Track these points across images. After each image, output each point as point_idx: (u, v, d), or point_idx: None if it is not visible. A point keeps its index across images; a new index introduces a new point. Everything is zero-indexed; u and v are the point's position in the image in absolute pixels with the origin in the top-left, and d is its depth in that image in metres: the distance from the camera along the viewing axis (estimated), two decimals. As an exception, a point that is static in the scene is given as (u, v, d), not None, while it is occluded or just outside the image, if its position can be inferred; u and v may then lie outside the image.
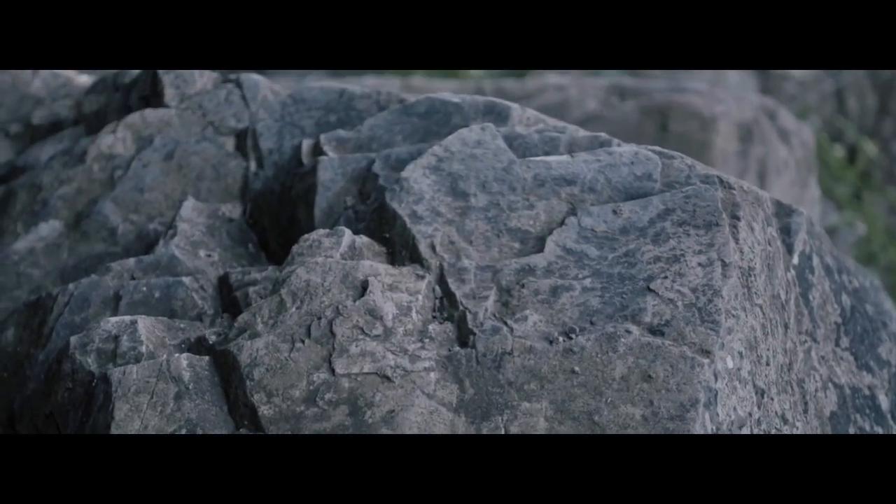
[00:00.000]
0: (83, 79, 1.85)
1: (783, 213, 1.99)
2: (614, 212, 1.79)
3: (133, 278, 1.78)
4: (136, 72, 1.73)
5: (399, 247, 1.73)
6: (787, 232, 1.99)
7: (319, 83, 1.61)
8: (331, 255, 1.68)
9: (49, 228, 1.79)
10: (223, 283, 1.79)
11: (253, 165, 1.77)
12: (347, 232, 1.71)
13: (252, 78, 1.64)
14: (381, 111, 1.63)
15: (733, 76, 3.55)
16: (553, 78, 2.39)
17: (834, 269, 2.09)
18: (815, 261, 2.04)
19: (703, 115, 2.26)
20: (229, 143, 1.67)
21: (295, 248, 1.71)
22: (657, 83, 2.43)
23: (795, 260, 1.99)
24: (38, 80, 1.90)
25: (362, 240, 1.74)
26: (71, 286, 1.74)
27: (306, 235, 1.72)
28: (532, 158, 1.75)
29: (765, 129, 2.33)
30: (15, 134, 1.82)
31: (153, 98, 1.67)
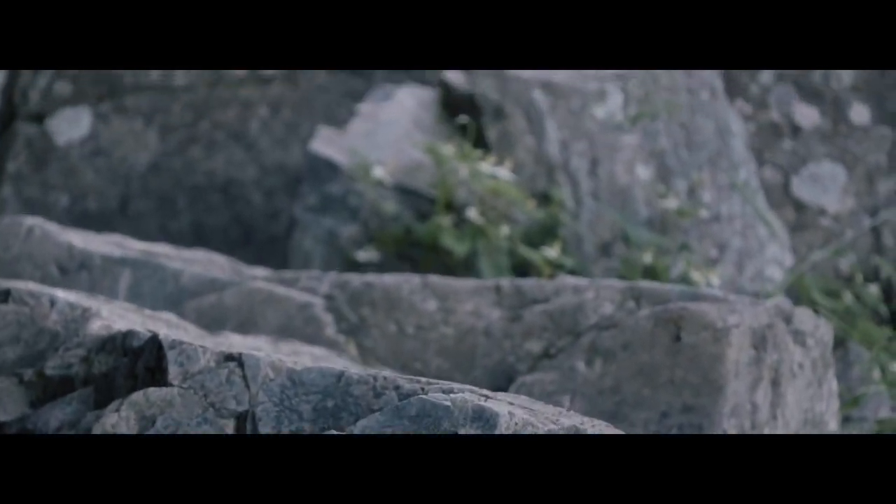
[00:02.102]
0: (95, 326, 1.91)
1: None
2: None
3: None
4: (144, 337, 1.79)
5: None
6: None
7: (318, 367, 1.66)
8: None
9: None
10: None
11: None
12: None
13: (253, 357, 1.70)
14: (377, 397, 1.68)
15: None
16: (571, 279, 2.43)
17: None
18: None
19: (715, 327, 2.29)
20: (229, 426, 1.73)
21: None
22: (674, 286, 2.47)
23: None
24: (55, 314, 1.98)
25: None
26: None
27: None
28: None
29: (779, 333, 2.36)
30: (28, 381, 1.90)
31: (157, 372, 1.74)
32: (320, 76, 3.96)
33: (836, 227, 3.92)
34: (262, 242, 3.89)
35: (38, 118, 3.96)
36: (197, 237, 3.90)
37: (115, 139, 3.93)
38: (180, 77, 3.95)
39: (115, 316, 2.07)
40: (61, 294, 2.09)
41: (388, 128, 3.42)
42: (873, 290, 3.75)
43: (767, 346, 2.31)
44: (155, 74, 3.94)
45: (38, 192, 3.93)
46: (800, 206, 3.93)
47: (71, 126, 3.93)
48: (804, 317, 2.39)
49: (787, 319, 2.36)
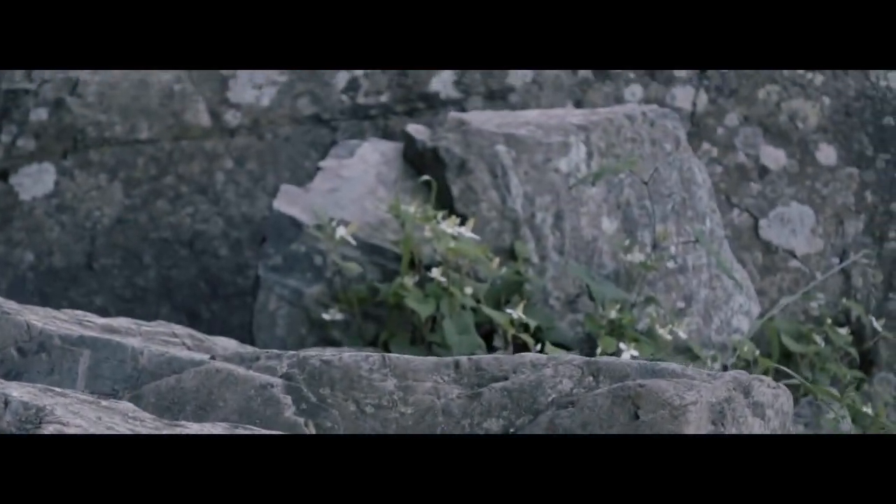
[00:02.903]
0: (49, 430, 1.90)
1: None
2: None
3: None
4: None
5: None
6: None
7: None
8: None
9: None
10: None
11: None
12: None
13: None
14: None
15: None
16: (530, 355, 2.42)
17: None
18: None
19: (673, 404, 2.28)
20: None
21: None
22: (632, 361, 2.46)
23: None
24: (9, 415, 1.96)
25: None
26: None
27: None
28: None
29: (737, 407, 2.35)
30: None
31: None
32: (285, 128, 3.95)
33: (805, 270, 3.92)
34: (230, 296, 3.88)
35: (2, 175, 3.94)
36: (163, 292, 3.88)
37: (79, 194, 3.91)
38: (144, 130, 3.93)
39: (69, 414, 2.05)
40: (16, 392, 2.07)
41: (351, 184, 3.41)
42: (843, 332, 3.75)
43: (726, 422, 2.30)
44: (119, 128, 3.92)
45: (2, 250, 3.90)
46: (769, 249, 3.93)
47: (35, 182, 3.91)
48: (763, 388, 2.38)
49: (746, 392, 2.35)
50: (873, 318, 3.83)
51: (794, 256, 3.92)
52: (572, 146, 3.38)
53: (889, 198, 3.94)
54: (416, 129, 3.50)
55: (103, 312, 3.81)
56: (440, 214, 3.16)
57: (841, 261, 3.93)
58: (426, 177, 3.32)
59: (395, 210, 3.22)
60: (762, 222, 3.93)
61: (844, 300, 3.87)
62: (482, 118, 3.46)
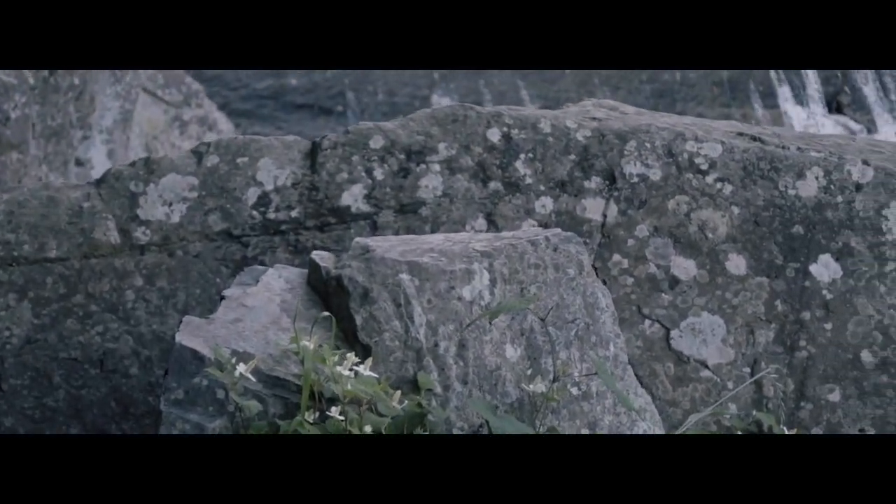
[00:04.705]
0: None
1: None
2: None
3: None
4: None
5: None
6: None
7: None
8: None
9: None
10: None
11: None
12: None
13: None
14: None
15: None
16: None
17: None
18: None
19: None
20: None
21: None
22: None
23: None
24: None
25: None
26: None
27: None
28: None
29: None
30: None
31: None
32: (195, 244, 3.93)
33: (717, 380, 3.93)
34: (141, 415, 3.86)
35: None
36: (73, 412, 3.85)
37: (-12, 315, 3.89)
38: (53, 249, 3.91)
39: None
40: None
41: (254, 314, 3.40)
42: (754, 444, 3.76)
43: None
44: (27, 247, 3.90)
45: None
46: (680, 360, 3.94)
47: (-57, 303, 3.88)
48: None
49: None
50: (784, 428, 3.85)
51: (706, 367, 3.93)
52: (476, 273, 3.38)
53: (799, 307, 3.96)
54: (320, 256, 3.49)
55: (12, 433, 3.79)
56: (338, 354, 3.15)
57: (752, 370, 3.94)
58: (326, 313, 3.31)
59: (295, 342, 3.21)
60: (673, 333, 3.94)
61: (755, 412, 3.88)
62: (387, 245, 3.45)
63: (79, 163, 6.81)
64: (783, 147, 4.02)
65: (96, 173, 6.83)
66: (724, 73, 9.53)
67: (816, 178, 3.99)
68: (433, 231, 3.95)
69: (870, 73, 9.69)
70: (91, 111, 6.71)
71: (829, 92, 9.70)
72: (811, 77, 9.61)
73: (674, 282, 3.95)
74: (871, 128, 9.63)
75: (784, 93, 9.50)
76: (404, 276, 3.34)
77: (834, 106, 9.79)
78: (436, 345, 3.33)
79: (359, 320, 3.33)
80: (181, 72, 7.21)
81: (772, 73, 9.43)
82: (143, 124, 6.99)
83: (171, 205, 3.93)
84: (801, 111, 9.48)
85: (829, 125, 9.55)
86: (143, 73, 7.06)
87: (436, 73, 9.42)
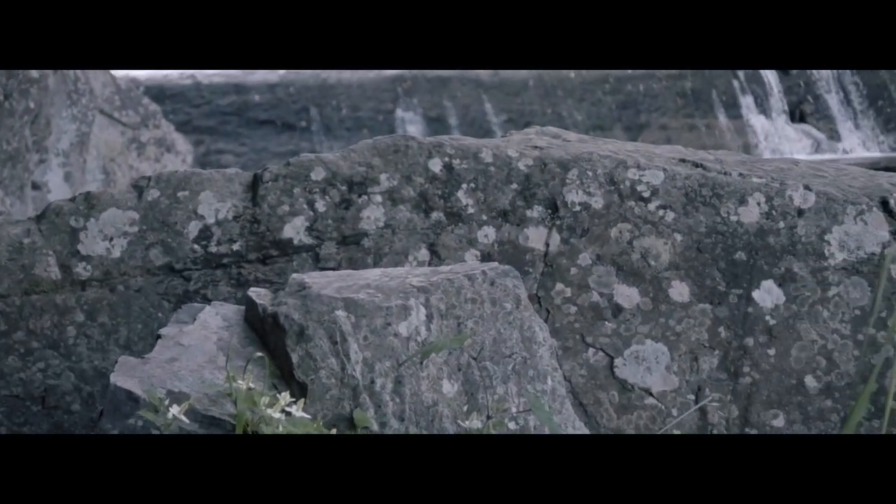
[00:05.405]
0: None
1: None
2: None
3: None
4: None
5: None
6: None
7: None
8: None
9: None
10: None
11: None
12: None
13: None
14: None
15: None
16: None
17: None
18: None
19: None
20: None
21: None
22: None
23: None
24: None
25: None
26: None
27: None
28: None
29: None
30: None
31: None
32: (137, 279, 3.92)
33: (661, 407, 3.93)
34: (83, 452, 3.84)
35: None
36: (16, 450, 3.84)
37: (-72, 353, 3.87)
38: (-6, 286, 3.90)
39: None
40: None
41: (191, 352, 3.38)
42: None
43: None
44: (-32, 284, 3.89)
45: None
46: (624, 387, 3.94)
47: None
48: None
49: None
50: (729, 456, 3.85)
51: (651, 394, 3.93)
52: (412, 309, 3.37)
53: (742, 333, 3.96)
54: (256, 293, 3.48)
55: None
56: (269, 395, 3.14)
57: (696, 397, 3.94)
58: (259, 354, 3.30)
59: (230, 382, 3.20)
60: (617, 361, 3.94)
61: (699, 439, 3.88)
62: (323, 281, 3.44)
63: (35, 186, 6.78)
64: (725, 173, 4.03)
65: (53, 196, 6.81)
66: (688, 84, 9.54)
67: (758, 203, 3.99)
68: (376, 262, 3.95)
69: (832, 82, 9.71)
70: (47, 134, 6.69)
71: (793, 101, 9.73)
72: (774, 86, 9.62)
73: (617, 310, 3.95)
74: (834, 136, 9.65)
75: (747, 102, 9.51)
76: (340, 313, 3.33)
77: (797, 115, 9.82)
78: (372, 382, 3.32)
79: (295, 358, 3.32)
80: (138, 93, 7.19)
81: (735, 82, 9.44)
82: (101, 146, 6.97)
83: (111, 240, 3.92)
84: (765, 120, 9.50)
85: (793, 134, 9.57)
86: (100, 95, 7.05)
87: (399, 88, 9.42)
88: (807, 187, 4.01)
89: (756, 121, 9.39)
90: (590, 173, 3.98)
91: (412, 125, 9.23)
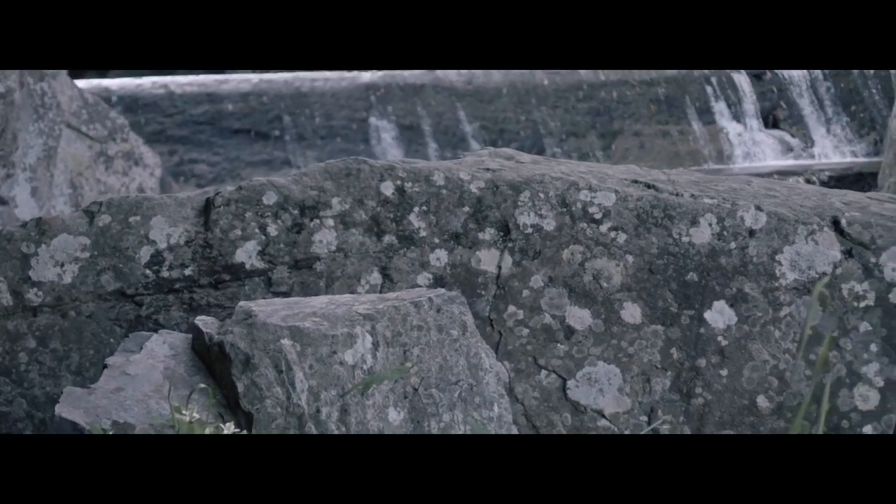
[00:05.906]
0: None
1: None
2: None
3: None
4: None
5: None
6: None
7: None
8: None
9: None
10: None
11: None
12: None
13: None
14: None
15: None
16: None
17: None
18: None
19: None
20: None
21: None
22: None
23: None
24: None
25: None
26: None
27: None
28: None
29: None
30: None
31: None
32: (89, 305, 3.92)
33: (614, 429, 3.94)
34: (35, 479, 3.84)
35: None
36: (-32, 477, 3.83)
37: None
38: (-55, 313, 3.90)
39: None
40: None
41: (137, 382, 3.38)
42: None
43: None
44: (-81, 312, 3.88)
45: None
46: (577, 409, 3.94)
47: None
48: None
49: None
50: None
51: (603, 416, 3.94)
52: (358, 337, 3.37)
53: (695, 354, 3.97)
54: (203, 322, 3.48)
55: None
56: (212, 426, 3.14)
57: (649, 418, 3.95)
58: (202, 385, 3.31)
59: (176, 412, 3.20)
60: (570, 383, 3.95)
61: (651, 461, 3.89)
62: (269, 309, 3.45)
63: (2, 202, 6.78)
64: (677, 194, 4.03)
65: (20, 212, 6.81)
66: (661, 91, 9.54)
67: (710, 224, 4.00)
68: (328, 286, 3.95)
69: (805, 88, 9.72)
70: (14, 149, 6.69)
71: (766, 107, 9.73)
72: (747, 92, 9.63)
73: (569, 332, 3.96)
74: (807, 142, 9.66)
75: (720, 108, 9.52)
76: (286, 342, 3.34)
77: (770, 120, 9.83)
78: (318, 410, 3.32)
79: (241, 387, 3.33)
80: (105, 106, 7.18)
81: (708, 88, 9.45)
82: (68, 161, 6.96)
83: (63, 265, 3.91)
84: (738, 126, 9.50)
85: (766, 139, 9.58)
86: (67, 109, 7.04)
87: (373, 96, 9.41)
88: (758, 207, 4.02)
89: (729, 127, 9.39)
90: (542, 195, 3.99)
91: (386, 133, 9.23)
